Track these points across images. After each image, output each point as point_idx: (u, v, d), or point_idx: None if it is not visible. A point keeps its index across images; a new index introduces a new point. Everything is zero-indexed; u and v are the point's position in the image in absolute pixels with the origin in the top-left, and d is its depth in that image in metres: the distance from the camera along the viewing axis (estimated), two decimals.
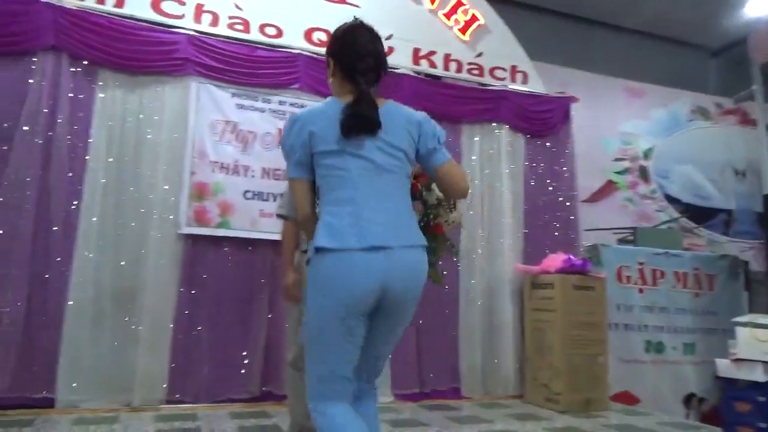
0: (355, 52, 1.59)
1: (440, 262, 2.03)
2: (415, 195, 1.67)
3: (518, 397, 4.41)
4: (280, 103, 4.20)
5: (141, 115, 3.90)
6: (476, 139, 4.75)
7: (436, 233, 1.77)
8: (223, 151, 3.99)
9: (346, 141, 1.52)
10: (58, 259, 3.56)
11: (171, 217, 3.83)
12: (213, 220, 3.94)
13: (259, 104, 4.15)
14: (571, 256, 4.28)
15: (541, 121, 4.91)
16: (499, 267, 4.56)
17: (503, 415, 3.82)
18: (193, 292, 3.83)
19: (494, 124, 4.78)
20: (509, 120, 4.79)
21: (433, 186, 1.75)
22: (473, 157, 4.72)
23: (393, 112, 1.57)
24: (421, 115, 1.60)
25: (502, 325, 4.47)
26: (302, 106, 4.06)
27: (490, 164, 4.73)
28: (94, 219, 3.69)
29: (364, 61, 1.57)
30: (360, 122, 1.50)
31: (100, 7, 3.87)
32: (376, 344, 1.54)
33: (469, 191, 1.70)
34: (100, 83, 3.82)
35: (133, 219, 3.79)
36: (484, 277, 4.52)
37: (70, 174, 3.68)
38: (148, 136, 3.89)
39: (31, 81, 3.64)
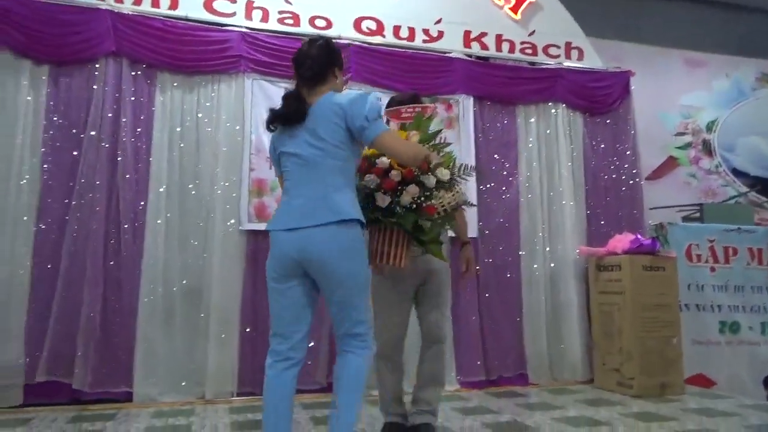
0: (295, 60, 1.88)
1: (443, 243, 2.06)
2: (411, 179, 1.75)
3: (587, 382, 4.29)
4: None
5: (199, 114, 3.92)
6: (532, 120, 4.60)
7: (430, 213, 1.81)
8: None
9: (288, 141, 1.82)
10: (129, 258, 3.64)
11: (233, 213, 3.83)
12: (269, 214, 3.88)
13: None
14: (639, 236, 4.13)
15: (600, 98, 4.74)
16: (562, 250, 4.44)
17: (574, 401, 3.71)
18: (256, 286, 3.81)
19: (550, 103, 4.63)
20: (566, 99, 4.64)
21: (438, 169, 1.79)
22: (530, 140, 4.57)
23: (324, 103, 1.75)
24: (348, 97, 1.73)
25: (567, 309, 4.36)
26: None
27: (548, 146, 4.58)
28: (160, 220, 3.72)
29: (301, 65, 1.83)
30: (275, 117, 1.81)
31: (156, 10, 3.93)
32: (328, 304, 1.83)
33: (426, 159, 1.77)
34: (159, 85, 3.87)
35: (197, 217, 3.81)
36: (546, 260, 4.41)
37: (136, 175, 3.74)
38: (207, 135, 3.90)
39: (95, 87, 3.73)
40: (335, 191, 1.72)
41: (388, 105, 2.25)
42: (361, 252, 1.75)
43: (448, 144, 2.09)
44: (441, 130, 2.15)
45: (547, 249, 4.42)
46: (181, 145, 3.87)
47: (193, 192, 3.85)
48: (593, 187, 4.64)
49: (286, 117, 1.80)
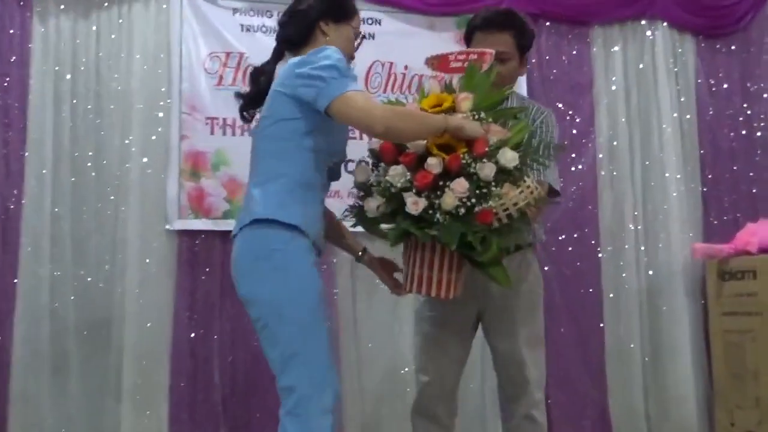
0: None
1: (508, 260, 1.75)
2: (455, 170, 1.50)
3: None
4: None
5: (100, 53, 3.33)
6: (615, 48, 3.96)
7: (485, 222, 1.52)
8: (226, 102, 3.36)
9: None
10: None
11: (155, 206, 3.32)
12: (217, 208, 3.35)
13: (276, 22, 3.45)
14: None
15: (721, 11, 4.05)
16: (665, 250, 3.86)
17: None
18: (195, 316, 3.32)
19: (644, 22, 3.97)
20: (669, 13, 3.97)
21: (498, 154, 1.53)
22: (613, 79, 3.89)
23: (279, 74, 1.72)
24: (291, 63, 1.65)
25: (672, 340, 3.81)
26: None
27: (640, 87, 3.95)
28: (42, 219, 3.20)
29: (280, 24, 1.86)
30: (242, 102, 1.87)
31: None
32: None
33: (385, 128, 1.54)
34: (38, 9, 3.27)
35: (100, 213, 3.28)
36: (641, 266, 3.84)
37: (4, 150, 3.20)
38: (113, 85, 3.32)
39: None
40: (259, 184, 1.64)
41: (468, 32, 2.02)
42: (276, 267, 1.57)
43: (523, 109, 1.83)
44: (511, 91, 1.89)
45: (642, 249, 3.89)
46: (74, 101, 3.29)
47: (93, 174, 3.29)
48: (713, 151, 4.05)
49: (245, 104, 1.84)
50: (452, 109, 1.53)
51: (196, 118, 3.37)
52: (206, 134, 3.37)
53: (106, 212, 3.29)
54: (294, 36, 1.74)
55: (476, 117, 1.55)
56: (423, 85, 1.80)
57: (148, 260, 3.26)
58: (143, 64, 3.34)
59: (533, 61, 3.69)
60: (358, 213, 1.62)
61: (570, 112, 3.85)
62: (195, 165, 3.36)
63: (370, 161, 1.69)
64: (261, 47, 3.31)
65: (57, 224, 3.22)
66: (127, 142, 3.31)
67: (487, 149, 1.50)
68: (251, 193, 1.64)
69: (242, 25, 3.45)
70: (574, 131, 3.85)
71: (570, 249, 3.76)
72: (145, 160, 3.30)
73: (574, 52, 3.89)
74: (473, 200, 1.49)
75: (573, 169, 3.81)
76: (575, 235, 3.76)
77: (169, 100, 3.34)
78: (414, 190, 1.52)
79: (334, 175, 1.71)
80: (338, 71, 1.54)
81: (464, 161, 1.49)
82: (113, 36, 3.35)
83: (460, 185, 1.48)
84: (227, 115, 3.36)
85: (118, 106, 3.32)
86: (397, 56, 3.50)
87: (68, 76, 3.28)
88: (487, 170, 1.50)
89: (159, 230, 3.32)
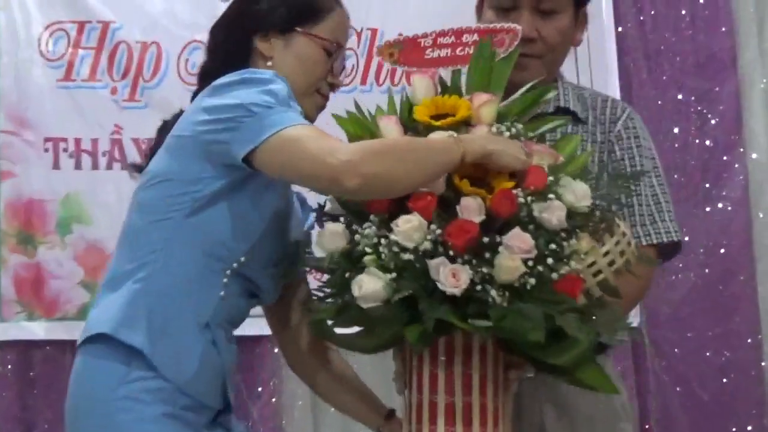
0: None
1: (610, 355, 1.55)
2: (506, 216, 1.15)
3: None
4: None
5: None
6: None
7: (571, 294, 1.16)
8: (80, 110, 2.30)
9: None
10: None
11: None
12: (68, 300, 2.30)
13: None
14: None
15: None
16: None
17: None
18: None
19: None
20: None
21: (556, 197, 1.16)
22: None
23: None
24: (201, 93, 1.31)
25: None
26: None
27: None
28: None
29: None
30: None
31: None
32: None
33: (342, 176, 1.11)
34: None
35: None
36: None
37: None
38: None
39: None
40: (107, 282, 1.32)
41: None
42: (94, 408, 1.26)
43: (559, 123, 1.34)
44: (549, 90, 1.34)
45: None
46: None
47: None
48: None
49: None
50: (466, 122, 1.15)
51: (27, 139, 2.28)
52: (46, 168, 2.30)
53: None
54: (214, 65, 1.32)
55: (509, 132, 1.19)
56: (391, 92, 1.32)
57: None
58: None
59: (632, 27, 2.66)
60: (334, 311, 1.15)
61: (696, 109, 2.66)
62: (26, 224, 2.29)
63: (342, 218, 1.22)
64: (140, 12, 2.24)
65: None
66: None
67: (548, 180, 1.18)
68: (97, 298, 1.37)
69: None
70: (707, 141, 2.66)
71: (705, 355, 2.59)
72: None
73: (708, 11, 2.71)
74: (549, 261, 1.15)
75: (708, 209, 2.61)
76: (718, 330, 2.59)
77: None
78: (447, 252, 1.15)
79: (259, 289, 1.25)
80: (271, 96, 1.18)
81: (521, 200, 1.15)
82: None
83: (522, 240, 1.14)
84: (84, 133, 2.25)
85: None
86: (385, 19, 2.36)
87: None
88: (557, 213, 1.16)
89: None
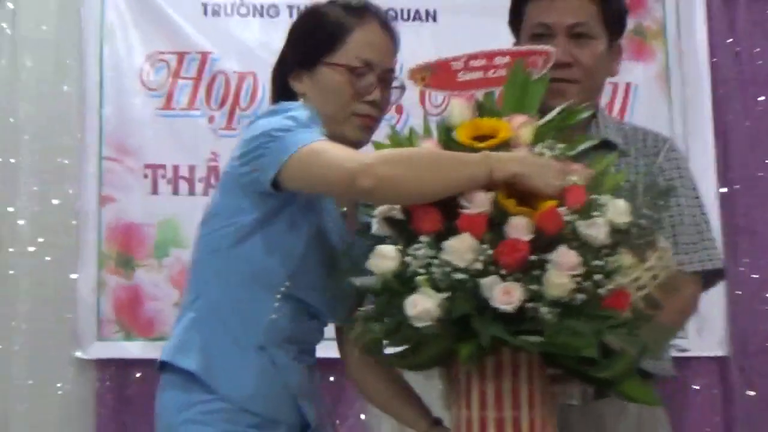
0: None
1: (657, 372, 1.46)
2: (553, 234, 1.14)
3: None
4: None
5: None
6: None
7: (620, 308, 1.16)
8: (179, 137, 2.37)
9: None
10: None
11: (55, 319, 2.39)
12: (163, 321, 2.33)
13: None
14: None
15: None
16: None
17: None
18: None
19: None
20: None
21: (602, 211, 1.16)
22: None
23: None
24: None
25: None
26: None
27: None
28: None
29: None
30: None
31: None
32: None
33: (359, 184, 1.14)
34: None
35: None
36: None
37: None
38: None
39: None
40: (178, 314, 1.39)
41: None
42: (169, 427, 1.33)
43: (592, 142, 1.33)
44: (584, 111, 1.32)
45: None
46: None
47: None
48: None
49: None
50: (506, 143, 1.15)
51: (128, 166, 2.35)
52: (145, 194, 2.35)
53: None
54: (274, 91, 1.45)
55: (550, 152, 1.19)
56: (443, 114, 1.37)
57: (45, 414, 2.35)
58: (36, 76, 2.42)
59: (727, 42, 2.55)
60: (386, 330, 1.14)
61: None
62: (126, 247, 2.35)
63: (387, 237, 1.21)
64: (238, 43, 2.30)
65: None
66: (10, 210, 2.39)
67: (588, 198, 1.18)
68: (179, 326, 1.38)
69: (205, 6, 2.38)
70: None
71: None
72: (40, 240, 2.38)
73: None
74: (598, 277, 1.15)
75: None
76: None
77: (79, 136, 2.39)
78: (499, 273, 1.15)
79: (315, 309, 1.29)
80: (292, 120, 1.24)
81: (567, 217, 1.16)
82: None
83: (569, 258, 1.14)
84: (182, 159, 2.30)
85: None
86: (472, 46, 2.26)
87: None
88: (601, 230, 1.16)
89: (64, 359, 2.40)
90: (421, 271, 1.12)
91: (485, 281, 1.10)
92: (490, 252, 1.10)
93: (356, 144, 1.27)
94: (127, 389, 2.36)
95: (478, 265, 1.11)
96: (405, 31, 2.25)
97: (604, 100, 2.27)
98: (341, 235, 1.31)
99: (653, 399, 1.26)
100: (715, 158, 2.41)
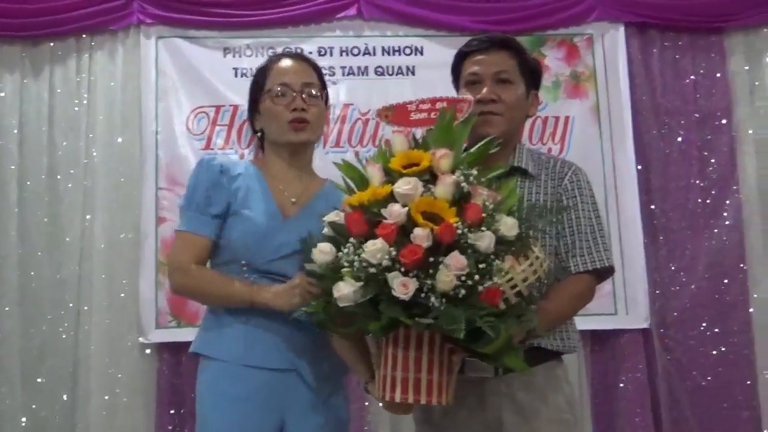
0: None
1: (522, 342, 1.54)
2: (448, 242, 1.36)
3: None
4: (322, 52, 2.91)
5: (54, 117, 2.92)
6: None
7: (491, 302, 1.36)
8: None
9: None
10: None
11: (124, 311, 2.78)
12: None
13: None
14: None
15: None
16: None
17: None
18: None
19: None
20: None
21: (497, 222, 1.41)
22: (761, 104, 2.98)
23: None
24: None
25: None
26: (364, 50, 3.02)
27: None
28: None
29: None
30: None
31: None
32: None
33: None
34: None
35: (54, 325, 2.80)
36: None
37: None
38: (70, 157, 2.87)
39: None
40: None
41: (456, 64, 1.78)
42: (199, 399, 1.58)
43: (500, 170, 1.51)
44: (495, 143, 1.53)
45: None
46: (22, 176, 2.83)
47: (46, 273, 2.81)
48: None
49: None
50: (429, 170, 1.41)
51: (178, 194, 2.69)
52: None
53: (63, 323, 2.80)
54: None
55: (464, 178, 1.42)
56: (381, 144, 1.60)
57: (117, 388, 2.73)
58: (107, 128, 2.85)
59: (645, 86, 3.03)
60: (321, 306, 1.42)
61: (702, 153, 3.05)
62: None
63: (328, 236, 1.49)
64: None
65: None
66: (86, 226, 2.82)
67: (483, 216, 1.40)
68: None
69: (236, 70, 2.86)
70: (704, 182, 3.01)
71: (703, 350, 2.95)
72: (111, 252, 2.80)
73: (702, 70, 3.11)
74: (476, 277, 1.38)
75: (706, 234, 2.95)
76: (715, 330, 2.93)
77: (141, 171, 2.83)
78: (400, 269, 1.39)
79: (279, 276, 1.51)
80: (184, 200, 1.59)
81: (460, 230, 1.39)
82: (70, 93, 2.91)
83: (458, 261, 1.38)
84: None
85: (76, 185, 2.87)
86: (443, 92, 2.74)
87: (14, 146, 2.86)
88: (486, 241, 1.39)
89: (130, 344, 2.78)
90: (347, 264, 1.37)
91: (389, 275, 1.34)
92: (395, 253, 1.34)
93: (298, 144, 1.54)
94: (180, 366, 2.73)
95: (387, 263, 1.34)
96: (390, 82, 2.90)
97: (548, 131, 2.83)
98: (273, 219, 1.53)
99: (522, 366, 1.48)
100: (637, 173, 2.83)
